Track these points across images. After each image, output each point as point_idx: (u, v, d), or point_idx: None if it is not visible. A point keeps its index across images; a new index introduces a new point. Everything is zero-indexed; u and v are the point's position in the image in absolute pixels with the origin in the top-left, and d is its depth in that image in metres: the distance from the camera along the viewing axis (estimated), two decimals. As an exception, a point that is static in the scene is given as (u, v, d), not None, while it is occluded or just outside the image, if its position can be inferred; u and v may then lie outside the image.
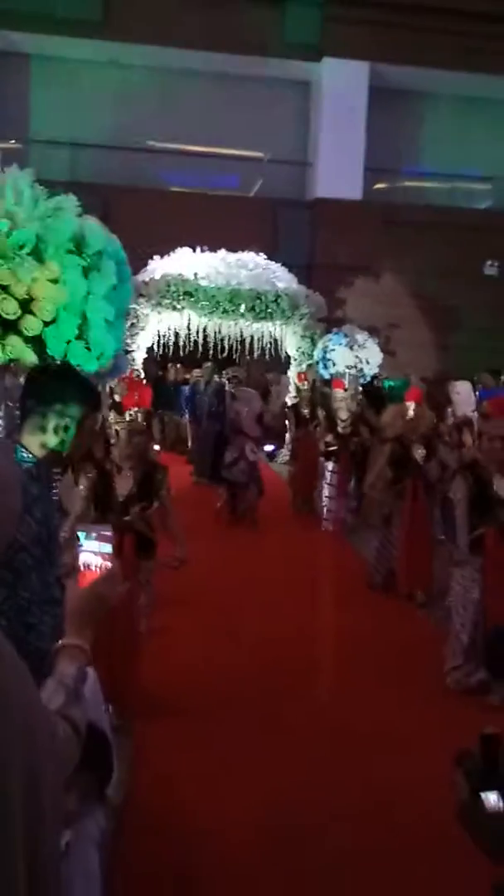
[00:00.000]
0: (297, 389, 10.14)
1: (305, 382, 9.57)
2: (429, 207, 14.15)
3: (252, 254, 11.16)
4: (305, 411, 9.07)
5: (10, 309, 2.10)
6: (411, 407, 6.02)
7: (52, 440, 2.08)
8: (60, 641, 1.38)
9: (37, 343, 2.20)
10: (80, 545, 1.48)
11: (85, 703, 1.34)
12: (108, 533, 1.50)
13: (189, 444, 11.61)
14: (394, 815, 3.05)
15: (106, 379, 2.55)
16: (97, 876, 2.04)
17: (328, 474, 7.90)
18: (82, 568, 1.47)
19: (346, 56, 13.39)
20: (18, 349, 2.16)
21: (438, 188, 15.14)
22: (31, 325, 2.15)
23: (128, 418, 3.72)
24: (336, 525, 7.84)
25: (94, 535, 1.50)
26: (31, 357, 2.20)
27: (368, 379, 9.85)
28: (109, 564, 1.48)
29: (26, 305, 2.14)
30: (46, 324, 2.18)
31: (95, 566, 1.48)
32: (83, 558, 1.47)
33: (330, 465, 7.87)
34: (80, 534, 1.50)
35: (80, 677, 1.33)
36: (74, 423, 2.11)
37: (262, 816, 3.03)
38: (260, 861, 2.77)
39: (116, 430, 3.74)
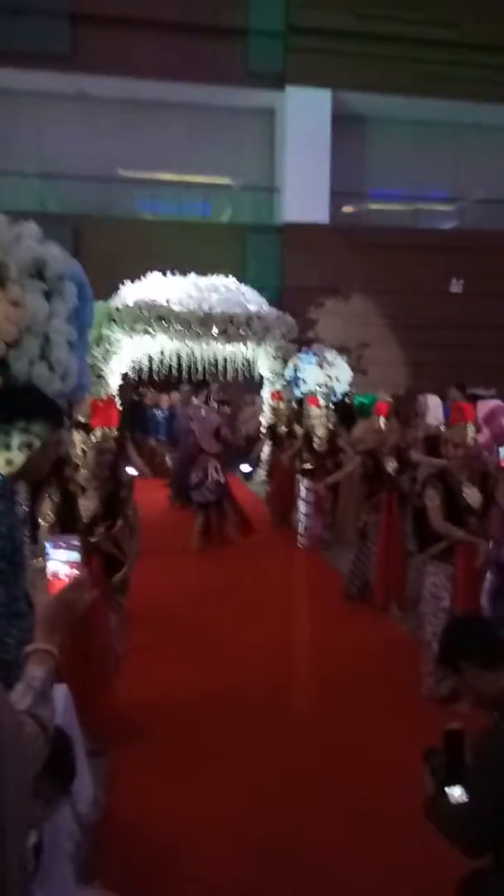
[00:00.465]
0: (273, 409, 10.25)
1: (280, 402, 9.69)
2: (395, 229, 14.48)
3: (222, 277, 11.33)
4: (282, 429, 9.15)
5: (-27, 332, 2.17)
6: (380, 420, 6.15)
7: (17, 457, 2.13)
8: (30, 646, 1.42)
9: (1, 364, 2.26)
10: (48, 554, 1.53)
11: (53, 704, 1.38)
12: (76, 542, 1.56)
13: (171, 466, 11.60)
14: (372, 825, 3.09)
15: (72, 397, 2.61)
16: (73, 887, 2.06)
17: (304, 492, 7.97)
18: (50, 577, 1.52)
19: (308, 84, 13.76)
20: (-18, 371, 2.22)
21: (404, 210, 15.51)
22: (-6, 347, 2.22)
23: (93, 439, 3.73)
24: (312, 542, 7.90)
25: (61, 544, 1.55)
26: (-5, 378, 2.26)
27: (340, 396, 9.99)
28: (77, 572, 1.53)
29: (-11, 328, 2.20)
30: (9, 345, 2.25)
31: (63, 574, 1.53)
32: (51, 567, 1.52)
33: (305, 483, 7.94)
34: (46, 544, 1.55)
35: (48, 680, 1.37)
36: (40, 440, 2.16)
37: (240, 834, 3.04)
38: (238, 877, 2.79)
39: (83, 450, 3.75)
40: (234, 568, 7.21)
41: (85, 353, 2.56)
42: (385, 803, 3.20)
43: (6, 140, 13.91)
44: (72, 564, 1.54)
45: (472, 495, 4.22)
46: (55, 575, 1.54)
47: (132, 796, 3.25)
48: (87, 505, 3.65)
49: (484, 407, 5.71)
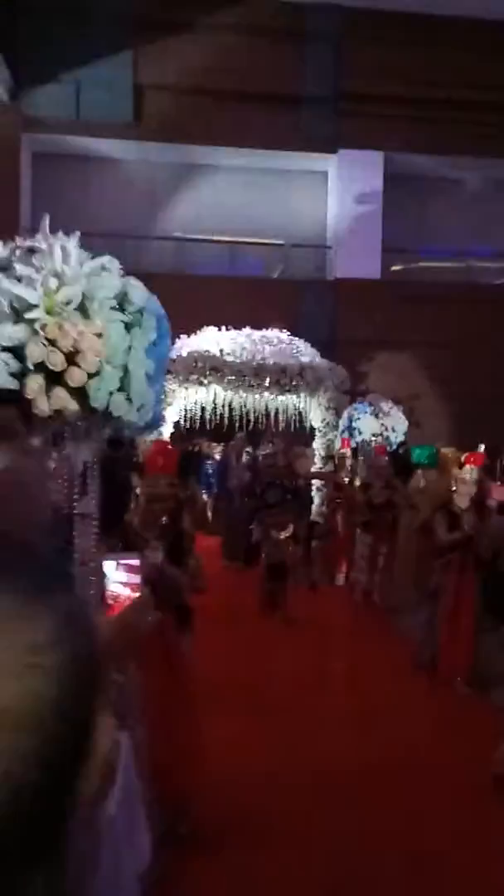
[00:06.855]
0: (339, 457, 9.81)
1: (347, 450, 9.45)
2: (445, 284, 14.53)
3: (276, 330, 11.47)
4: (343, 478, 8.91)
5: (57, 361, 2.19)
6: (472, 472, 5.50)
7: None
8: None
9: (80, 394, 2.28)
10: (107, 577, 1.48)
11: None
12: (135, 563, 1.51)
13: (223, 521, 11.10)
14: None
15: (148, 429, 2.60)
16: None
17: (364, 547, 7.69)
18: (111, 600, 1.47)
19: (359, 147, 14.14)
20: (63, 400, 2.23)
21: (454, 266, 15.60)
22: (76, 377, 2.23)
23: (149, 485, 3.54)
24: (365, 597, 7.64)
25: (121, 565, 1.50)
26: (74, 407, 2.27)
27: (395, 447, 9.86)
28: (138, 594, 1.48)
29: (71, 358, 2.22)
30: (90, 376, 2.26)
31: (124, 597, 1.48)
32: (111, 589, 1.47)
33: (368, 539, 7.63)
34: (106, 565, 1.50)
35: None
36: None
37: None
38: None
39: (138, 496, 3.57)
40: (287, 632, 6.85)
41: (161, 385, 2.57)
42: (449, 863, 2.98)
43: (72, 202, 14.58)
44: (132, 587, 1.48)
45: None
46: (115, 597, 1.48)
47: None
48: (154, 557, 3.44)
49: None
